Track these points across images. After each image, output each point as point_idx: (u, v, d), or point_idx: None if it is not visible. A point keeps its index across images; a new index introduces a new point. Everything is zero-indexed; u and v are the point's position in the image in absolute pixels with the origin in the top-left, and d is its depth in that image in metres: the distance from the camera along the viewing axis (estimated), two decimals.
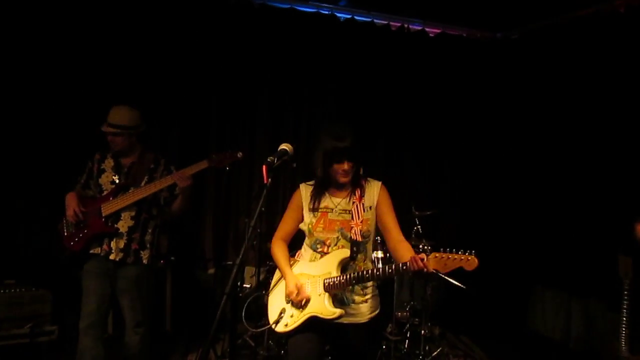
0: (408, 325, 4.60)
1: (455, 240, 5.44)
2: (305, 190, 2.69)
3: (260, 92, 5.18)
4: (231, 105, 5.09)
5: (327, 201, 2.63)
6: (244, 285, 4.31)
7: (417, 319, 4.59)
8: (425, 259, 2.27)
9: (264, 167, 2.26)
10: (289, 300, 2.57)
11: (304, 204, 2.66)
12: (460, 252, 2.26)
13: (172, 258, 4.62)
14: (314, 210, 2.62)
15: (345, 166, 2.52)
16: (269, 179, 2.25)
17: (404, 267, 2.33)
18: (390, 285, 4.53)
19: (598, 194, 4.68)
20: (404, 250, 2.50)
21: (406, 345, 4.46)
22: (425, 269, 2.27)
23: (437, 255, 2.27)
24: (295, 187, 5.00)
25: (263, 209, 2.23)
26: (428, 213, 4.62)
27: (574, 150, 4.96)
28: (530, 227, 5.41)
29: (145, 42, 4.76)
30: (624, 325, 3.49)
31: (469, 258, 2.24)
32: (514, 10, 5.14)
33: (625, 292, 3.49)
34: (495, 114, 5.81)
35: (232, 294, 2.03)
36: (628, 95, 4.41)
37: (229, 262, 4.89)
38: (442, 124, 5.79)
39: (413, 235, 4.58)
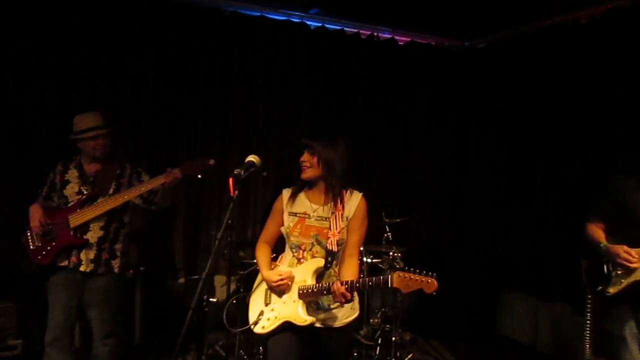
0: (379, 332, 4.63)
1: (425, 247, 5.50)
2: (286, 195, 2.76)
3: (230, 99, 5.16)
4: (201, 113, 5.06)
5: (305, 206, 2.69)
6: (211, 299, 4.31)
7: (388, 325, 4.63)
8: (344, 290, 2.42)
9: (230, 179, 2.28)
10: (267, 303, 2.65)
11: (284, 207, 2.73)
12: (422, 274, 2.32)
13: (142, 268, 4.57)
14: (292, 214, 2.69)
15: (303, 157, 2.64)
16: (236, 191, 2.26)
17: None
18: (363, 291, 4.56)
19: (563, 199, 4.79)
20: (346, 269, 2.62)
21: (377, 352, 4.49)
22: (344, 300, 2.44)
23: (400, 274, 2.36)
24: (267, 195, 5.12)
25: (230, 221, 2.23)
26: (398, 220, 4.67)
27: (540, 156, 5.07)
28: (498, 232, 5.51)
29: (116, 50, 4.70)
30: (587, 329, 3.59)
31: (429, 280, 2.31)
32: (481, 19, 5.23)
33: (589, 296, 3.58)
34: (464, 121, 5.91)
35: (198, 307, 2.00)
36: (589, 104, 4.54)
37: (195, 277, 4.84)
38: (411, 131, 5.87)
39: (383, 242, 4.62)
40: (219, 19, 5.05)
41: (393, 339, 4.42)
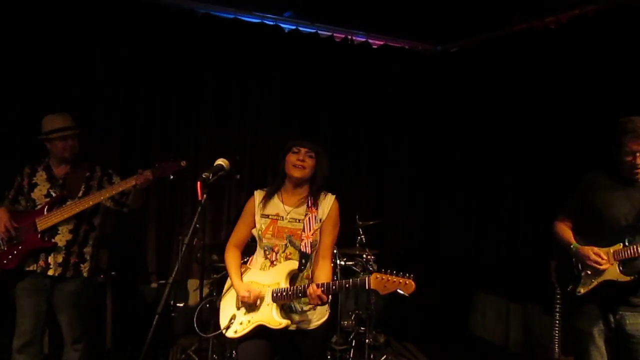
0: (353, 334, 4.64)
1: (398, 249, 5.54)
2: (258, 197, 2.74)
3: (204, 102, 5.13)
4: (175, 115, 5.02)
5: (278, 208, 2.68)
6: (178, 304, 4.28)
7: (362, 328, 4.64)
8: (320, 292, 2.41)
9: (198, 183, 2.26)
10: (239, 307, 2.62)
11: (256, 210, 2.71)
12: (400, 275, 2.32)
13: (113, 273, 4.50)
14: (264, 216, 2.67)
15: (301, 155, 2.61)
16: (204, 195, 2.24)
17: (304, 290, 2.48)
18: (335, 294, 4.57)
19: (534, 200, 4.87)
20: (320, 271, 2.62)
21: (351, 354, 4.50)
22: (320, 302, 2.42)
23: (377, 276, 2.34)
24: (241, 198, 5.10)
25: (198, 225, 2.22)
26: (371, 223, 4.69)
27: (510, 158, 5.14)
28: (470, 234, 5.58)
29: (87, 51, 4.64)
30: (556, 328, 3.65)
31: (407, 282, 2.31)
32: (453, 24, 5.30)
33: (557, 296, 3.65)
34: (436, 123, 5.98)
35: (165, 313, 1.99)
36: (557, 105, 4.63)
37: (162, 282, 4.80)
38: (385, 134, 5.90)
39: (357, 245, 4.64)
40: (192, 21, 5.01)
41: (367, 341, 4.43)
